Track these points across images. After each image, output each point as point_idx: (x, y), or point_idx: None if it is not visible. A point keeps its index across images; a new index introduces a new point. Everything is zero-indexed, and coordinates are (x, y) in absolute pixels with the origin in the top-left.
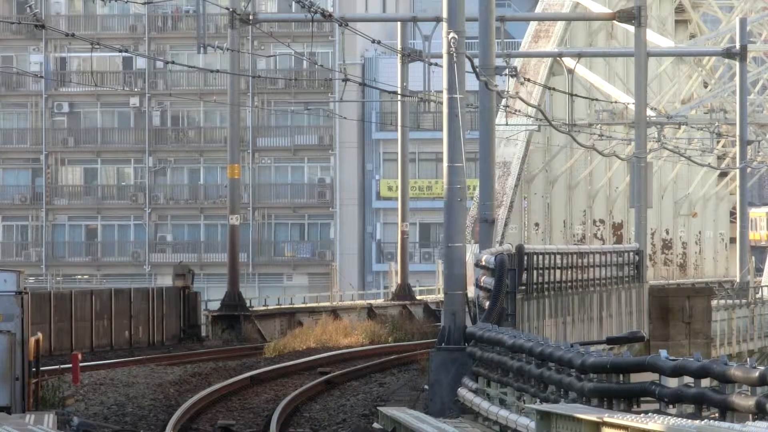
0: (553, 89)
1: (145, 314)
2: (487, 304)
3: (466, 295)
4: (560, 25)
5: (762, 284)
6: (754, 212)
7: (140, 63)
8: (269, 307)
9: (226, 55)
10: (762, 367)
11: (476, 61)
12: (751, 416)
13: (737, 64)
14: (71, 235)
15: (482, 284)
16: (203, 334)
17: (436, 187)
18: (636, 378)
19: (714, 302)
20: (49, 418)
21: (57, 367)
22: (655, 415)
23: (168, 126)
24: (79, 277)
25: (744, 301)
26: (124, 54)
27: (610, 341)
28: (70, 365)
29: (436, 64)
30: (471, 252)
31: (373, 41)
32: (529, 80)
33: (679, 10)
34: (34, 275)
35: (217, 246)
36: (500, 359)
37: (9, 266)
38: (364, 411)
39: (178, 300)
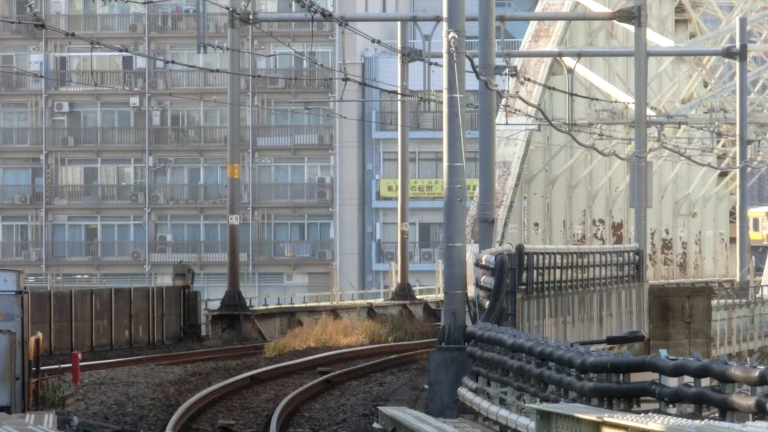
0: (553, 89)
1: (145, 314)
2: (487, 303)
3: (466, 294)
4: (560, 24)
5: (762, 284)
6: (753, 212)
7: (140, 63)
8: (269, 307)
9: (226, 55)
10: (762, 367)
11: (476, 61)
12: (751, 416)
13: (737, 63)
14: (71, 235)
15: (482, 284)
16: (203, 333)
17: (436, 187)
18: (636, 378)
19: (714, 302)
20: (49, 418)
21: (57, 366)
22: (655, 414)
23: (168, 126)
24: (79, 276)
25: (744, 300)
26: (124, 54)
27: (610, 341)
28: (70, 365)
29: (436, 64)
30: (471, 252)
31: (373, 41)
32: (529, 80)
33: (679, 9)
34: (34, 275)
35: (217, 246)
36: (500, 359)
37: (9, 266)
38: (364, 411)
39: (178, 300)
